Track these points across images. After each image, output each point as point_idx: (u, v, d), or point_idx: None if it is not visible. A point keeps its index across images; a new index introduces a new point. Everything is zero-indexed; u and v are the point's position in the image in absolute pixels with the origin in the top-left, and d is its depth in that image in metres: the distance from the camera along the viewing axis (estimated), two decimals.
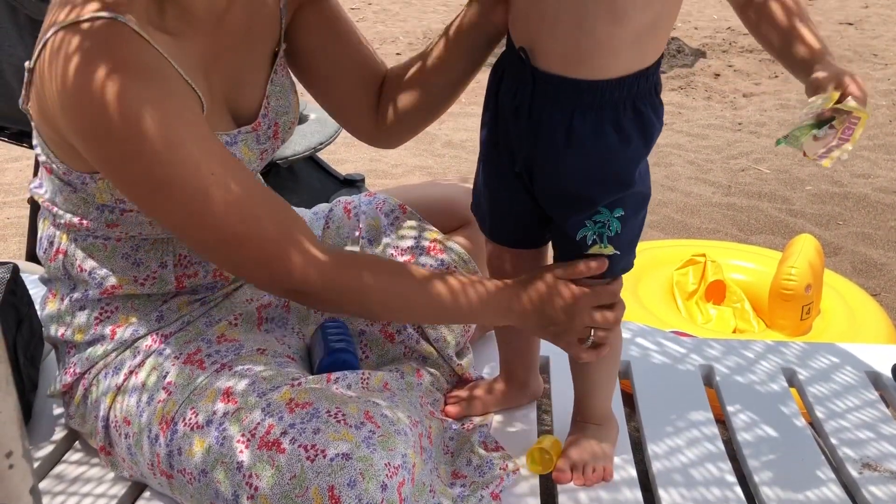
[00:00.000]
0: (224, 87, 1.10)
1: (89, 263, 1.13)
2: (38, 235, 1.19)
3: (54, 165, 1.07)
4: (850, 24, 6.79)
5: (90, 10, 0.95)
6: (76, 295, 1.15)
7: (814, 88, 0.95)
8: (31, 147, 1.99)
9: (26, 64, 1.01)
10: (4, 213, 3.25)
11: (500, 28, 1.12)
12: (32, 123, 1.08)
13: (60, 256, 1.15)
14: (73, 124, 0.96)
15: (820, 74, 0.94)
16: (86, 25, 0.94)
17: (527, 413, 1.36)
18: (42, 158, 1.09)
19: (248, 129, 1.13)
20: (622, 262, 1.13)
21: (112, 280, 1.13)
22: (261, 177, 1.28)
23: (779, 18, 1.00)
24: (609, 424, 1.26)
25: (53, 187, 1.10)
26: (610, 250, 1.10)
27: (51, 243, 1.16)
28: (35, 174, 1.93)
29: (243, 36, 1.11)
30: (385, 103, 1.24)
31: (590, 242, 1.09)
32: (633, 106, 1.04)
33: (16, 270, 1.35)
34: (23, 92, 1.05)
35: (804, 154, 0.94)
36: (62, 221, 1.12)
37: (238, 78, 1.12)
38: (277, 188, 2.24)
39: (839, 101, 0.92)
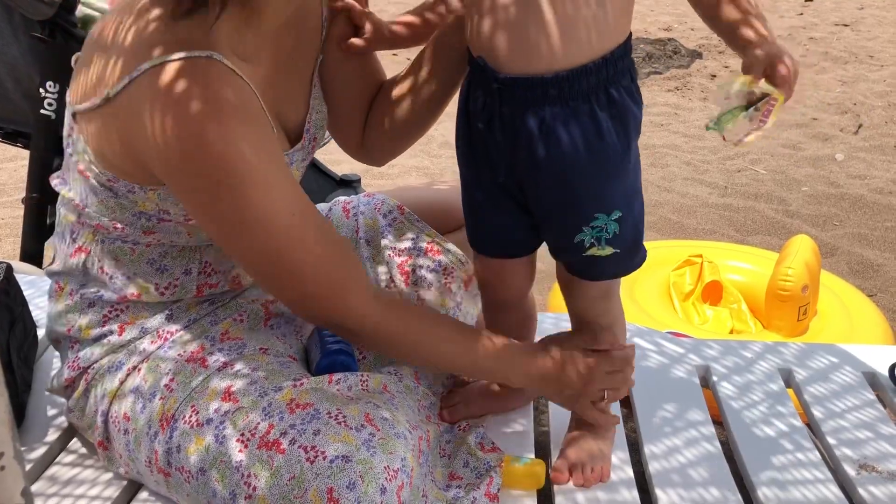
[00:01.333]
0: (275, 106, 1.10)
1: (112, 267, 1.12)
2: (59, 227, 1.17)
3: (94, 171, 1.05)
4: (846, 25, 6.80)
5: (182, 47, 0.95)
6: (87, 292, 1.14)
7: (746, 67, 0.94)
8: (26, 147, 1.99)
9: (107, 91, 0.98)
10: None
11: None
12: (77, 128, 1.06)
13: (83, 255, 1.13)
14: (168, 163, 0.97)
15: (757, 52, 0.93)
16: (183, 64, 0.94)
17: (524, 413, 1.36)
18: (80, 167, 1.07)
19: (298, 148, 1.14)
20: (628, 259, 1.13)
21: (132, 289, 1.12)
22: None
23: (734, 5, 0.97)
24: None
25: (87, 189, 1.08)
26: (608, 251, 1.09)
27: (73, 238, 1.14)
28: (33, 177, 1.91)
29: (291, 52, 1.12)
30: (368, 121, 1.25)
31: (587, 246, 1.09)
32: (606, 93, 1.01)
33: (9, 270, 1.34)
34: (81, 98, 1.03)
35: (724, 138, 0.94)
36: (91, 222, 1.10)
37: (287, 95, 1.13)
38: None
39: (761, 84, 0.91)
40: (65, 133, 1.09)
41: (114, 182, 1.05)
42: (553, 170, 1.04)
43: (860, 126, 4.38)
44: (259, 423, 1.01)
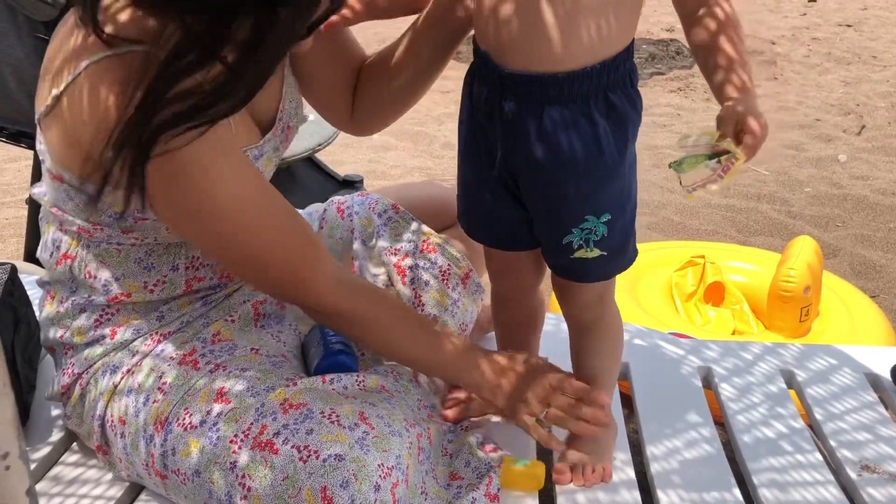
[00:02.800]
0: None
1: (100, 270, 1.12)
2: (43, 239, 1.18)
3: (66, 175, 1.05)
4: (849, 25, 6.79)
5: (121, 42, 0.95)
6: (78, 298, 1.15)
7: (719, 119, 0.97)
8: (30, 147, 1.99)
9: (54, 91, 0.99)
10: (3, 213, 3.25)
11: (462, 25, 1.14)
12: (42, 138, 1.06)
13: (68, 261, 1.14)
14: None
15: (734, 109, 0.96)
16: (120, 59, 0.95)
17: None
18: (53, 172, 1.07)
19: (269, 137, 1.15)
20: (614, 262, 1.13)
21: (121, 287, 1.13)
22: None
23: (715, 44, 0.99)
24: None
25: (63, 195, 1.09)
26: (595, 253, 1.10)
27: (57, 247, 1.14)
28: (36, 178, 1.92)
29: None
30: (358, 93, 1.26)
31: (575, 247, 1.09)
32: (605, 98, 1.01)
33: (14, 271, 1.35)
34: (40, 107, 1.04)
35: (680, 182, 0.97)
36: (72, 228, 1.11)
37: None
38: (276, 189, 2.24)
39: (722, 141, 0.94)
40: (37, 141, 1.10)
41: (84, 185, 1.05)
42: (547, 170, 1.05)
43: (863, 127, 4.38)
44: (252, 424, 1.01)
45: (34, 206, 1.93)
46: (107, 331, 1.14)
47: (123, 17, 0.98)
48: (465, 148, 1.15)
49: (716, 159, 0.93)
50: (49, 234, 1.16)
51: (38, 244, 1.19)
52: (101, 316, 1.14)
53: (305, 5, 0.96)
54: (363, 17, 1.15)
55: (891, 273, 2.87)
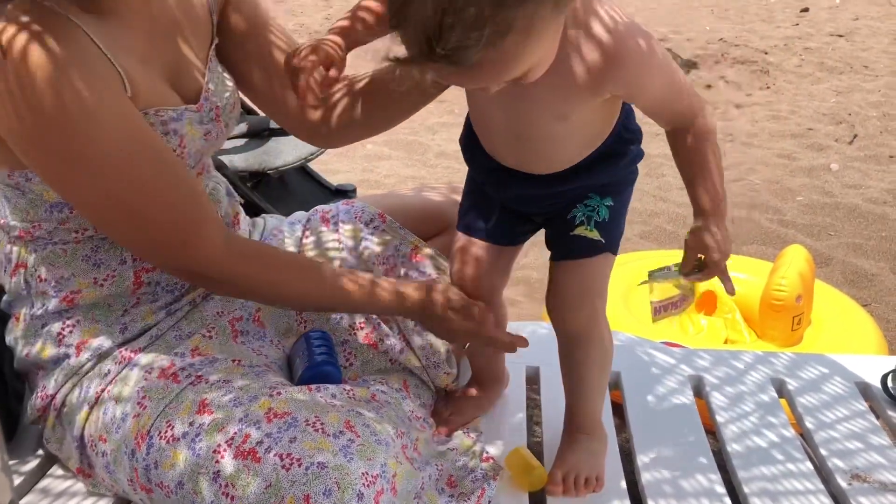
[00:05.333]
0: (165, 71, 1.11)
1: (49, 271, 1.13)
2: None
3: None
4: (841, 35, 6.82)
5: None
6: (36, 311, 1.15)
7: (686, 245, 1.07)
8: None
9: None
10: None
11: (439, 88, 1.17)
12: None
13: (21, 270, 1.14)
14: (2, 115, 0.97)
15: (699, 236, 1.06)
16: (9, 9, 0.96)
17: (517, 424, 1.36)
18: None
19: (192, 109, 1.14)
20: (605, 248, 1.16)
21: (72, 285, 1.13)
22: (210, 162, 1.29)
23: (696, 161, 1.07)
24: (599, 435, 1.26)
25: None
26: (595, 235, 1.13)
27: (9, 260, 1.15)
28: None
29: (175, 27, 1.14)
30: (333, 110, 1.24)
31: (577, 223, 1.14)
32: (599, 166, 1.11)
33: None
34: None
35: (651, 299, 1.08)
36: (15, 234, 1.12)
37: (177, 64, 1.14)
38: (268, 198, 2.24)
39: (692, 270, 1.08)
40: None
41: (12, 176, 1.05)
42: (545, 203, 1.16)
43: (855, 136, 4.40)
44: (236, 433, 1.01)
45: None
46: (72, 348, 1.14)
47: None
48: (471, 169, 1.21)
49: (682, 284, 1.06)
50: (1, 250, 1.17)
51: None
52: (62, 328, 1.14)
53: None
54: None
55: (882, 282, 2.87)
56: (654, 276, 1.08)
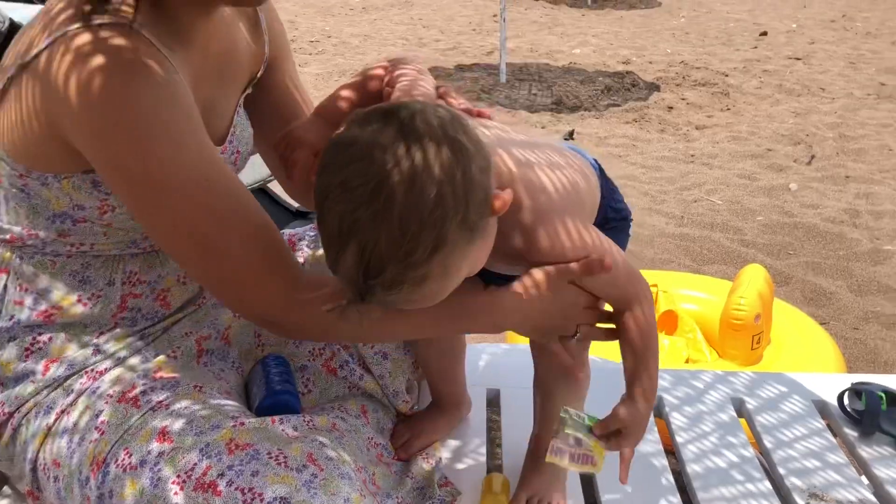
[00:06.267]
0: (201, 108, 1.10)
1: (33, 282, 1.09)
2: None
3: (6, 170, 1.03)
4: (799, 58, 6.98)
5: (101, 19, 0.95)
6: (5, 323, 1.11)
7: (616, 411, 1.03)
8: None
9: (18, 62, 0.98)
10: None
11: None
12: None
13: (3, 276, 1.10)
14: (87, 125, 0.95)
15: (625, 416, 1.03)
16: (99, 33, 0.94)
17: (478, 447, 1.35)
18: None
19: (218, 149, 1.13)
20: None
21: (52, 300, 1.09)
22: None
23: (629, 346, 1.05)
24: None
25: None
26: None
27: None
28: None
29: (221, 68, 1.13)
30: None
31: None
32: None
33: None
34: None
35: (553, 440, 1.04)
36: (5, 235, 1.08)
37: (212, 103, 1.13)
38: None
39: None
40: None
41: (26, 177, 1.02)
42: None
43: (813, 157, 4.48)
44: (196, 464, 0.98)
45: None
46: (39, 366, 1.11)
47: None
48: None
49: (586, 439, 1.03)
50: None
51: None
52: (31, 345, 1.11)
53: None
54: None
55: (840, 300, 2.92)
56: (569, 415, 1.05)
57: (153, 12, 1.00)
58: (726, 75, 6.31)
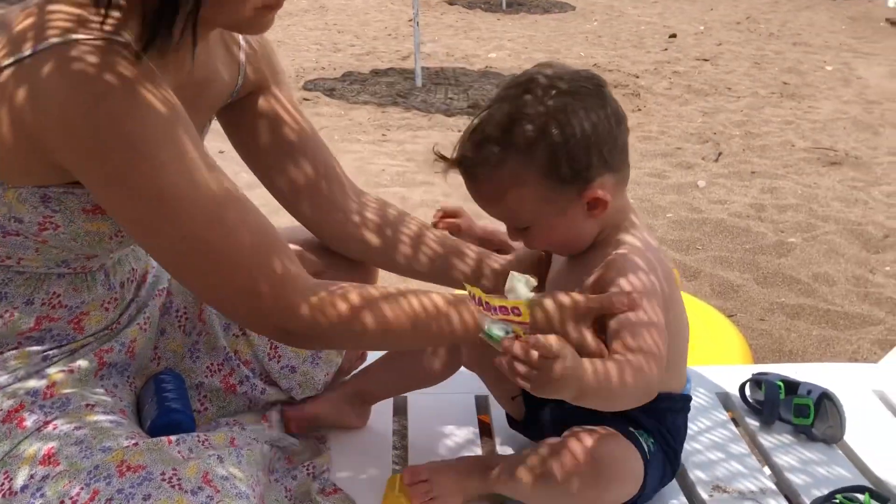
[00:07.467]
0: None
1: None
2: None
3: None
4: (706, 60, 7.19)
5: (83, 33, 0.90)
6: None
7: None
8: None
9: None
10: None
11: None
12: None
13: None
14: (74, 142, 0.90)
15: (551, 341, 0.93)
16: (101, 44, 0.90)
17: (381, 455, 1.32)
18: None
19: None
20: None
21: None
22: None
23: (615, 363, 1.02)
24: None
25: None
26: None
27: None
28: None
29: (197, 90, 1.11)
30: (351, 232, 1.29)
31: None
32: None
33: None
34: None
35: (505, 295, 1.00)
36: None
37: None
38: None
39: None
40: None
41: None
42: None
43: (720, 154, 4.61)
44: (81, 490, 0.92)
45: None
46: None
47: None
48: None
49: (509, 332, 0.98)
50: None
51: None
52: None
53: None
54: (463, 236, 1.35)
55: (747, 292, 2.99)
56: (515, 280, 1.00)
57: (141, 28, 0.95)
58: (637, 77, 6.45)
